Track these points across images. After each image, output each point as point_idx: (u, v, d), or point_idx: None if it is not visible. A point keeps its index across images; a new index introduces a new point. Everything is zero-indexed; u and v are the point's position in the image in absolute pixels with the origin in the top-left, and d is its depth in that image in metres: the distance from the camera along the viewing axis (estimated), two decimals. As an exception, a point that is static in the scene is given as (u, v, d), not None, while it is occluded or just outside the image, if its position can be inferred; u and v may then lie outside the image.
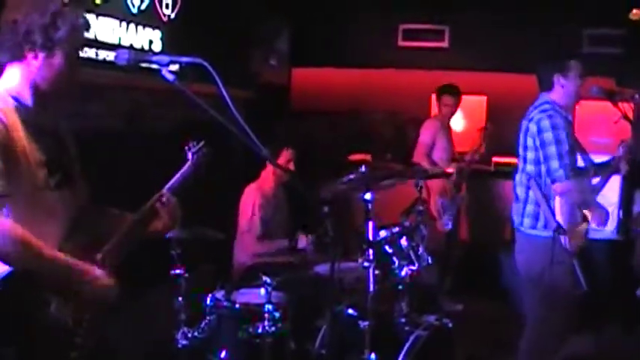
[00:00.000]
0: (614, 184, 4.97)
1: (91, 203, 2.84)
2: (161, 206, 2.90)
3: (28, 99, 2.63)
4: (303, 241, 5.29)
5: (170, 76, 2.57)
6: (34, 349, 2.47)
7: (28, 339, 2.46)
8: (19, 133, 2.54)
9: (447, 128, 7.00)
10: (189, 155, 3.15)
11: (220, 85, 2.46)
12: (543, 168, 4.20)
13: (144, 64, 2.67)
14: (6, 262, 2.44)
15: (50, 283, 2.52)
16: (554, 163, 4.12)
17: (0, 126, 2.47)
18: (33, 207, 2.55)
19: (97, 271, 2.64)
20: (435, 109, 7.27)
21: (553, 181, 4.14)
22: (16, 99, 2.60)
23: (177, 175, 3.06)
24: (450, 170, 6.73)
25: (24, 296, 2.47)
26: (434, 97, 7.14)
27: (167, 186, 2.99)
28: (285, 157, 5.40)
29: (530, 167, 4.29)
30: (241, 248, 5.39)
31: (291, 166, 5.38)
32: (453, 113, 6.99)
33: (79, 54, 2.71)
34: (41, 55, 2.58)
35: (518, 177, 4.44)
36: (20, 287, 2.45)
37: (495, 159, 7.74)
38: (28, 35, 2.55)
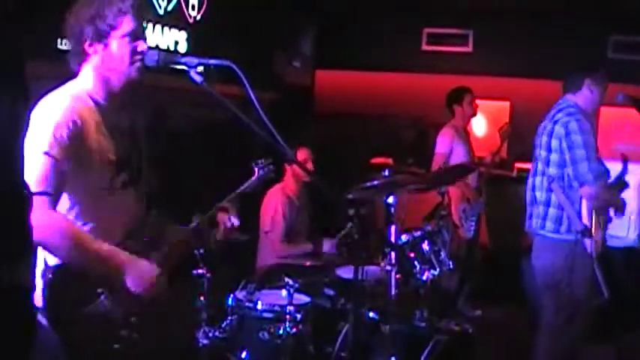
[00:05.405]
0: (634, 192, 4.93)
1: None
2: (222, 217, 2.98)
3: (101, 96, 2.67)
4: (327, 245, 5.31)
5: (198, 78, 2.60)
6: (75, 335, 2.51)
7: (72, 326, 2.51)
8: (93, 134, 2.59)
9: (465, 134, 6.64)
10: (256, 171, 3.24)
11: (248, 86, 2.48)
12: (569, 171, 4.17)
13: (171, 65, 2.71)
14: (55, 255, 2.51)
15: (95, 274, 2.56)
16: (583, 167, 4.09)
17: (74, 128, 2.52)
18: (98, 206, 2.63)
19: (143, 264, 2.67)
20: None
21: (581, 185, 4.12)
22: (92, 98, 2.65)
23: (243, 187, 3.13)
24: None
25: (71, 287, 2.53)
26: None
27: (229, 197, 3.06)
28: (300, 156, 5.40)
29: (552, 170, 4.25)
30: (265, 249, 5.41)
31: (310, 166, 5.38)
32: (469, 118, 6.65)
33: (139, 34, 2.66)
34: (99, 48, 2.61)
35: (538, 180, 4.38)
36: (68, 278, 2.52)
37: (518, 165, 7.69)
38: (81, 32, 2.58)
